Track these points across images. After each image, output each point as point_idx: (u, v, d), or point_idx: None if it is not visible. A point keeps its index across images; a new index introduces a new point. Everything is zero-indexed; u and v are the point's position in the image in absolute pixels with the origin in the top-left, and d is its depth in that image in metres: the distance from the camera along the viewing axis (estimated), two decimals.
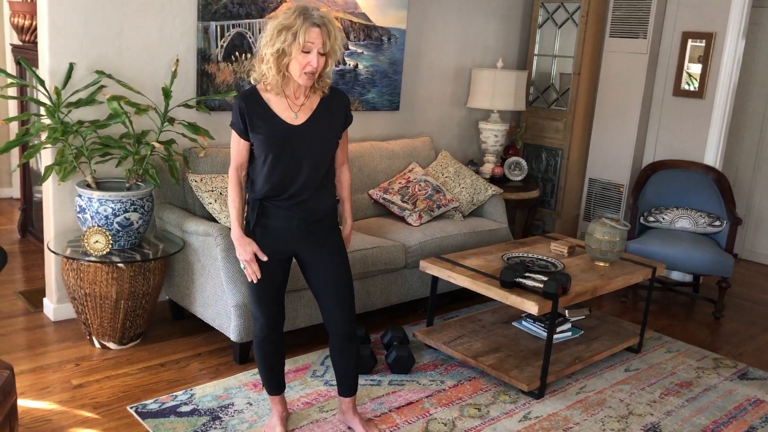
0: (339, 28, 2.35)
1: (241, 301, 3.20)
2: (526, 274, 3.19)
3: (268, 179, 2.40)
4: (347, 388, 2.73)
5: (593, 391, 3.28)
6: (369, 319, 3.93)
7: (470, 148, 5.49)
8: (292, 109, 2.39)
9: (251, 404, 2.95)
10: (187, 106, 3.63)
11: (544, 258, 3.57)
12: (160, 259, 3.35)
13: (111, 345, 3.37)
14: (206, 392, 3.03)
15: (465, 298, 4.34)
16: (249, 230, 2.47)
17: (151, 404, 2.90)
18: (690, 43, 4.97)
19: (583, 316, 3.92)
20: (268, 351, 2.64)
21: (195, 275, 3.45)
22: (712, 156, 4.94)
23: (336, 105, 2.48)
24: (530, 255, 3.61)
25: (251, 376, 3.19)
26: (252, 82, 2.42)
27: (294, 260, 2.60)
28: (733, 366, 3.67)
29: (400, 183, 4.36)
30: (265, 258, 2.44)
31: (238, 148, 2.42)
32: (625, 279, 3.49)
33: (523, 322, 3.75)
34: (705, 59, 4.91)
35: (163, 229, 3.63)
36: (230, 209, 2.46)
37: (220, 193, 3.51)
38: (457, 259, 3.49)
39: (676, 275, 5.10)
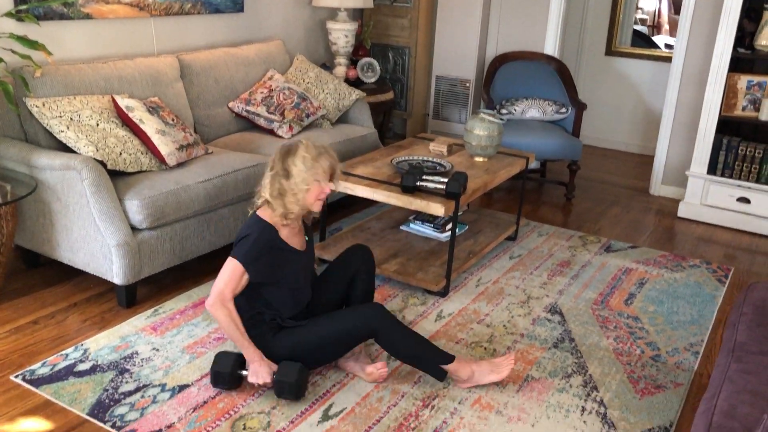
0: None
1: (123, 240, 2.84)
2: (424, 177, 3.15)
3: (289, 301, 2.45)
4: None
5: (490, 282, 3.41)
6: None
7: (318, 51, 5.23)
8: (298, 236, 2.48)
9: (157, 349, 2.68)
10: (10, 15, 3.01)
11: (430, 159, 3.56)
12: (11, 203, 2.84)
13: None
14: (101, 345, 2.69)
15: (339, 208, 4.24)
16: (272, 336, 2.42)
17: (40, 368, 2.52)
18: None
19: (462, 212, 4.02)
20: None
21: (55, 217, 2.98)
22: (551, 46, 5.18)
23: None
24: (415, 158, 3.57)
25: (146, 319, 2.89)
26: (260, 213, 2.40)
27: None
28: (598, 241, 4.01)
29: (262, 92, 4.05)
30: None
31: (239, 281, 2.33)
32: (507, 171, 3.59)
33: (411, 225, 3.76)
34: None
35: (1, 167, 3.06)
36: (237, 336, 2.33)
37: (71, 119, 3.01)
38: (347, 169, 3.35)
39: None
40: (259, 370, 2.34)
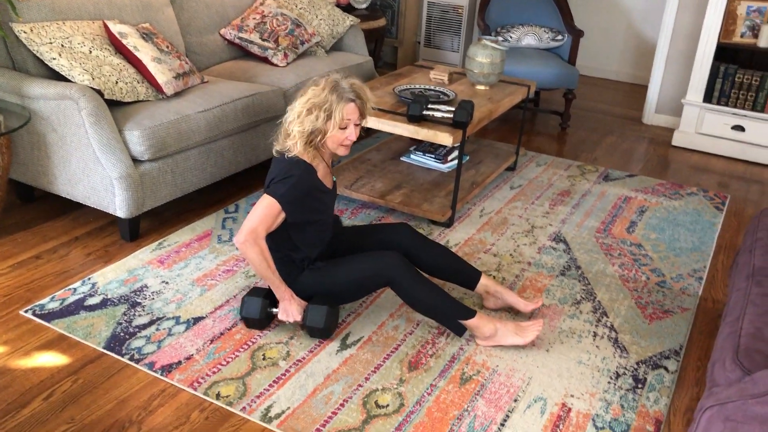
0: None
1: (125, 172, 2.76)
2: (430, 106, 3.10)
3: (317, 241, 2.40)
4: (473, 270, 2.55)
5: (493, 212, 3.41)
6: (255, 173, 3.64)
7: None
8: (329, 175, 2.42)
9: (167, 282, 2.65)
10: None
11: (433, 88, 3.49)
12: (5, 134, 2.73)
13: None
14: (108, 278, 2.65)
15: None
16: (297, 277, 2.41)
17: (49, 303, 2.48)
18: None
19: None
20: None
21: (51, 149, 2.88)
22: None
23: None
24: (417, 86, 3.50)
25: (151, 252, 2.85)
26: (275, 153, 2.32)
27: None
28: (595, 170, 4.02)
29: (254, 18, 3.90)
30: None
31: (274, 220, 2.25)
32: (509, 100, 3.55)
33: (412, 156, 3.72)
34: None
35: None
36: (268, 274, 2.27)
37: (62, 45, 2.87)
38: None
39: None
40: (289, 309, 2.33)
